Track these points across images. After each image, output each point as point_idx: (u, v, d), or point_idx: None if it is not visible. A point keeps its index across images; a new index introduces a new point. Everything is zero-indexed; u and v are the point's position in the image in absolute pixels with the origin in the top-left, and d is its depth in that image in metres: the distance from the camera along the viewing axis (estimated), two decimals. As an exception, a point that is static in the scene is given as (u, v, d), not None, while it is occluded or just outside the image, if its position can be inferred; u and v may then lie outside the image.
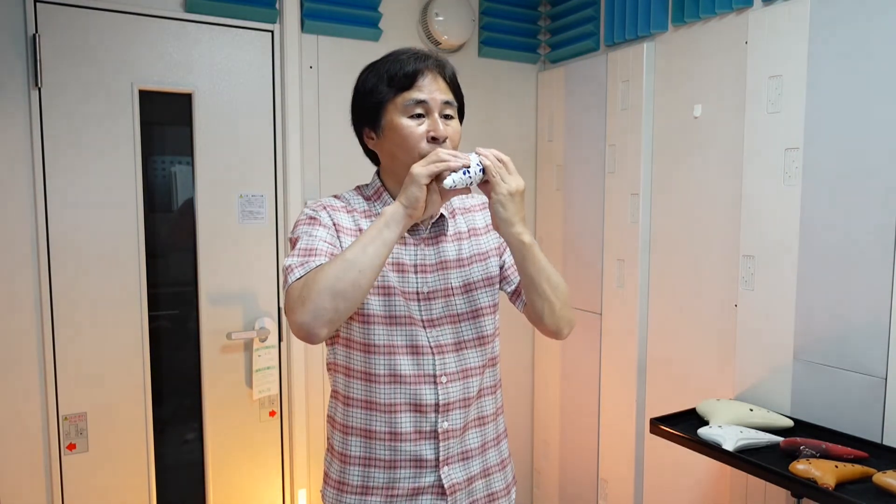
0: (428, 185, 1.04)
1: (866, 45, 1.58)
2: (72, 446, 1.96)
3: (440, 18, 2.38)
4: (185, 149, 2.11)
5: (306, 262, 1.08)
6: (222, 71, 2.11)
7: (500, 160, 1.08)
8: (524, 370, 2.81)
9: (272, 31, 2.18)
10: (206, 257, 2.12)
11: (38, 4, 1.84)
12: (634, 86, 2.22)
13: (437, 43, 2.42)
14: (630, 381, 2.29)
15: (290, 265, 1.09)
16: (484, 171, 1.07)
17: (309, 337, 1.02)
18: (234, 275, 2.17)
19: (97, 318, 1.97)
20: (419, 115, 1.14)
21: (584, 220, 2.49)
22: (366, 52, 2.31)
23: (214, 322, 2.15)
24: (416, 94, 1.13)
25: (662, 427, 1.70)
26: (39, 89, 1.86)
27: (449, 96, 1.17)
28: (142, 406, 2.05)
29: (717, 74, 1.97)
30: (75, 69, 1.90)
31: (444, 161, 1.04)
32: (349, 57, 2.29)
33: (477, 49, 2.56)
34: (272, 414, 2.26)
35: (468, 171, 1.05)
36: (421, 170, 1.04)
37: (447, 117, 1.16)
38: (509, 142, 2.65)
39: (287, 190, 2.21)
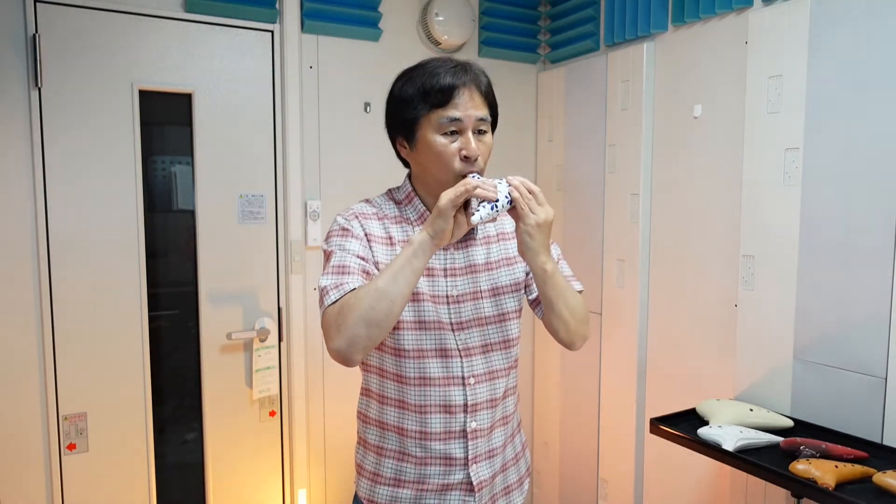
0: (455, 216, 1.06)
1: (866, 45, 1.58)
2: (72, 446, 1.96)
3: (440, 18, 2.38)
4: (185, 149, 2.11)
5: (340, 285, 1.11)
6: (222, 71, 2.11)
7: (529, 190, 1.09)
8: (524, 370, 2.81)
9: (272, 31, 2.18)
10: (206, 257, 2.12)
11: (38, 4, 1.85)
12: (634, 86, 2.22)
13: (437, 43, 2.43)
14: (630, 381, 2.29)
15: (325, 287, 1.12)
16: (511, 201, 1.08)
17: (346, 362, 1.07)
18: (234, 275, 2.17)
19: (97, 317, 1.97)
20: (453, 132, 1.15)
21: (584, 220, 2.49)
22: (366, 52, 2.33)
23: (214, 322, 2.15)
24: (451, 112, 1.14)
25: (662, 427, 1.70)
26: (39, 89, 1.86)
27: (484, 112, 1.17)
28: (142, 406, 2.05)
29: (717, 74, 1.97)
30: (75, 69, 1.90)
31: (471, 188, 1.05)
32: (349, 57, 2.30)
33: (477, 49, 2.56)
34: (272, 414, 2.26)
35: (495, 206, 1.07)
36: (448, 201, 1.05)
37: (481, 132, 1.17)
38: (509, 142, 2.65)
39: (287, 190, 2.21)
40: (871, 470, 1.39)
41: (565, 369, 2.62)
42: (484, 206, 1.07)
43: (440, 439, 1.20)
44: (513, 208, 1.09)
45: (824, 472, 1.35)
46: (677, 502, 2.14)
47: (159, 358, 2.10)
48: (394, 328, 1.17)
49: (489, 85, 1.21)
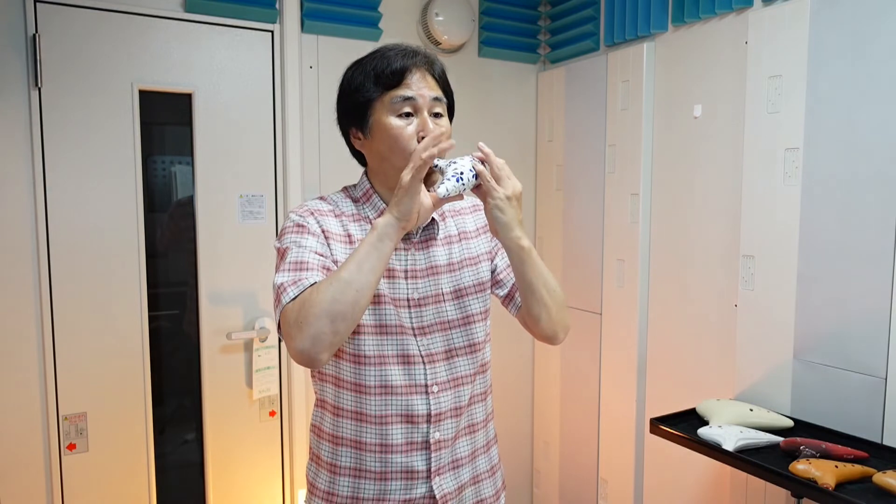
0: (420, 197, 1.00)
1: (866, 45, 1.58)
2: (72, 446, 1.96)
3: (440, 18, 2.38)
4: (185, 149, 2.11)
5: (299, 280, 1.03)
6: (222, 71, 2.11)
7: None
8: (524, 370, 2.81)
9: (272, 31, 2.18)
10: (206, 257, 2.12)
11: (38, 4, 1.84)
12: (634, 86, 2.22)
13: (437, 43, 2.43)
14: (630, 381, 2.29)
15: (282, 283, 1.03)
16: (477, 175, 1.03)
17: (311, 363, 0.98)
18: (234, 275, 2.17)
19: (97, 318, 1.97)
20: (408, 115, 1.10)
21: (584, 220, 2.49)
22: (366, 52, 2.32)
23: (214, 322, 2.15)
24: (404, 91, 1.09)
25: (662, 427, 1.70)
26: (39, 89, 1.86)
27: (438, 92, 1.13)
28: (142, 406, 2.05)
29: (717, 74, 1.97)
30: (75, 69, 1.90)
31: (429, 152, 0.98)
32: (349, 57, 2.25)
33: (477, 49, 2.56)
34: (272, 414, 2.26)
35: (461, 179, 1.02)
36: (411, 177, 0.98)
37: (437, 115, 1.12)
38: (509, 142, 2.65)
39: (287, 190, 2.21)
40: (871, 470, 1.39)
41: (565, 369, 2.63)
42: (449, 180, 1.01)
43: (401, 451, 1.13)
44: (478, 187, 1.05)
45: (824, 472, 1.35)
46: (677, 502, 2.14)
47: (159, 358, 2.10)
48: (355, 332, 1.10)
49: (443, 71, 1.17)
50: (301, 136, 2.23)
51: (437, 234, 1.19)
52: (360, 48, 2.30)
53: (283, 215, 2.22)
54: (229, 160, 2.14)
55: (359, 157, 1.24)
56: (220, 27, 2.10)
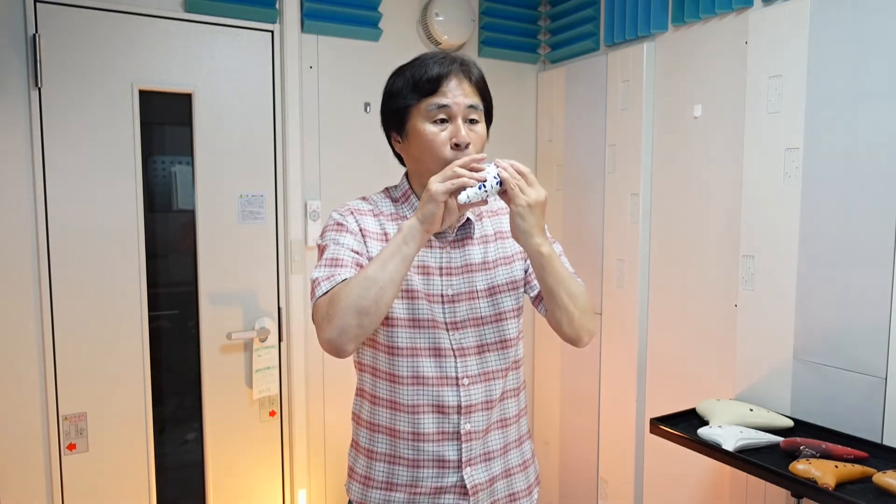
0: (445, 202, 1.05)
1: (866, 45, 1.58)
2: (72, 446, 1.96)
3: (440, 18, 2.38)
4: (185, 149, 2.11)
5: (332, 276, 1.11)
6: (222, 71, 2.11)
7: (519, 171, 1.08)
8: (524, 370, 2.80)
9: (272, 31, 2.18)
10: (206, 257, 2.12)
11: (38, 4, 1.85)
12: (634, 86, 2.22)
13: (437, 43, 2.43)
14: (630, 381, 2.29)
15: (317, 278, 1.12)
16: (501, 182, 1.07)
17: (337, 352, 1.06)
18: (234, 275, 2.17)
19: (97, 317, 1.97)
20: (443, 121, 1.15)
21: (584, 220, 2.49)
22: (366, 52, 2.33)
23: (214, 322, 2.15)
24: (439, 99, 1.14)
25: (662, 427, 1.70)
26: (39, 89, 1.86)
27: (474, 100, 1.17)
28: (142, 406, 2.05)
29: (717, 74, 1.97)
30: (75, 69, 1.90)
31: (460, 178, 1.04)
32: (349, 57, 2.30)
33: (477, 49, 2.56)
34: (272, 414, 2.26)
35: (483, 186, 1.06)
36: (437, 186, 1.04)
37: (472, 122, 1.17)
38: (509, 142, 2.65)
39: (287, 190, 2.21)
40: (871, 470, 1.39)
41: (565, 369, 2.63)
42: (472, 187, 1.06)
43: (433, 440, 1.19)
44: (504, 192, 1.08)
45: (824, 472, 1.35)
46: (677, 502, 2.14)
47: (159, 358, 2.10)
48: (388, 325, 1.17)
49: (481, 76, 1.21)
50: (301, 135, 2.23)
51: (474, 234, 1.24)
52: (360, 48, 2.31)
53: (283, 215, 2.23)
54: (229, 160, 2.14)
55: (400, 157, 1.29)
56: (220, 27, 2.10)
